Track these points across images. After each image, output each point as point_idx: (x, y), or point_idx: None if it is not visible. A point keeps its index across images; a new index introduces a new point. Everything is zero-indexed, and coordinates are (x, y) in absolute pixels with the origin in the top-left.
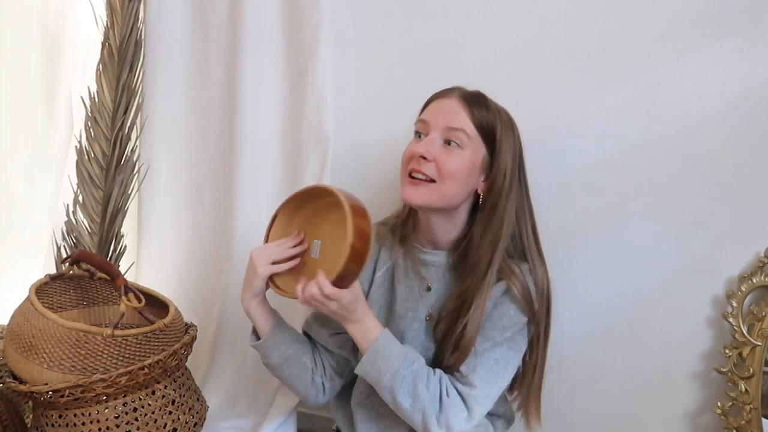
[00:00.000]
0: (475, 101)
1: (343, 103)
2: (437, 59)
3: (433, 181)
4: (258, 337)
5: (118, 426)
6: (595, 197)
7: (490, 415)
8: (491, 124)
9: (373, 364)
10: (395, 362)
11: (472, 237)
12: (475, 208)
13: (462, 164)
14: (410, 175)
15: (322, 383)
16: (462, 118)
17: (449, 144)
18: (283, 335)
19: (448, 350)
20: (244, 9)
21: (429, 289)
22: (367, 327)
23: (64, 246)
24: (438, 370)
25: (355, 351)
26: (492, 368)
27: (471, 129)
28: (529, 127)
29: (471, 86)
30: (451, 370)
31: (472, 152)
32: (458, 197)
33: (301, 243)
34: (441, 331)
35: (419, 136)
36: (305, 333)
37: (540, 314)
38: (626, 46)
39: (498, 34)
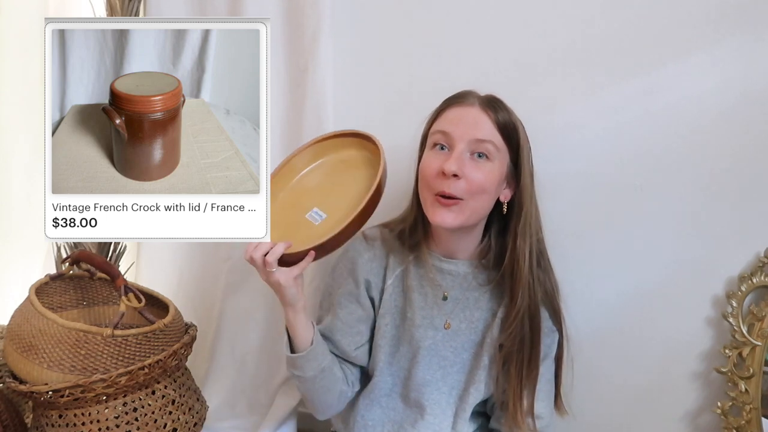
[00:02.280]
0: (496, 106)
1: (343, 103)
2: (437, 59)
3: (461, 198)
4: (293, 350)
5: (118, 426)
6: (595, 197)
7: None
8: (515, 129)
9: None
10: None
11: (515, 249)
12: (491, 216)
13: (492, 177)
14: (437, 194)
15: (347, 393)
16: (488, 129)
17: (478, 156)
18: (320, 346)
19: (517, 383)
20: (245, 9)
21: (445, 298)
22: None
23: (64, 246)
24: None
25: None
26: (549, 390)
27: (498, 139)
28: (529, 128)
29: (470, 86)
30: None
31: (499, 163)
32: (486, 210)
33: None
34: (507, 356)
35: (441, 148)
36: None
37: (562, 318)
38: (626, 46)
39: (498, 34)
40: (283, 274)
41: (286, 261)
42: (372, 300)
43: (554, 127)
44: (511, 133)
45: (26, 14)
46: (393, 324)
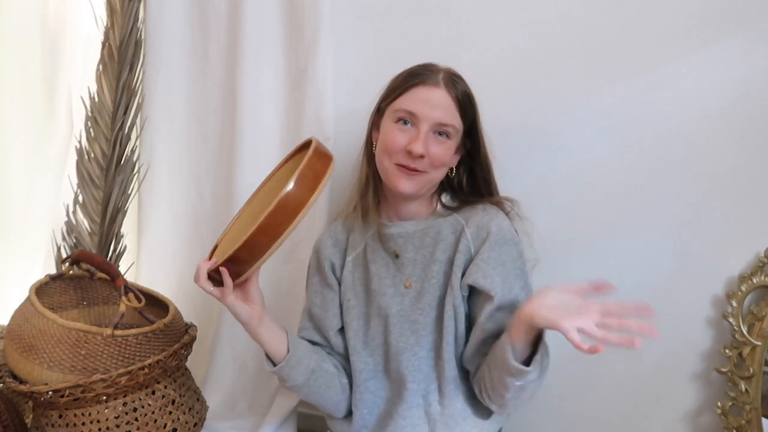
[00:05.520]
0: (456, 83)
1: (343, 103)
2: (436, 59)
3: (425, 171)
4: (274, 363)
5: (118, 426)
6: (595, 197)
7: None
8: (470, 100)
9: None
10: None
11: (478, 182)
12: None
13: (449, 152)
14: (399, 165)
15: (349, 383)
16: (453, 114)
17: (439, 135)
18: (299, 350)
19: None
20: (245, 9)
21: (397, 256)
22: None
23: (64, 246)
24: None
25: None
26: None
27: (458, 121)
28: (529, 127)
29: (470, 86)
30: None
31: (456, 138)
32: (441, 178)
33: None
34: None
35: (404, 123)
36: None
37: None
38: (626, 46)
39: (498, 33)
40: (217, 293)
41: (219, 280)
42: (339, 280)
43: (554, 127)
44: (467, 107)
45: (26, 14)
46: (357, 301)
